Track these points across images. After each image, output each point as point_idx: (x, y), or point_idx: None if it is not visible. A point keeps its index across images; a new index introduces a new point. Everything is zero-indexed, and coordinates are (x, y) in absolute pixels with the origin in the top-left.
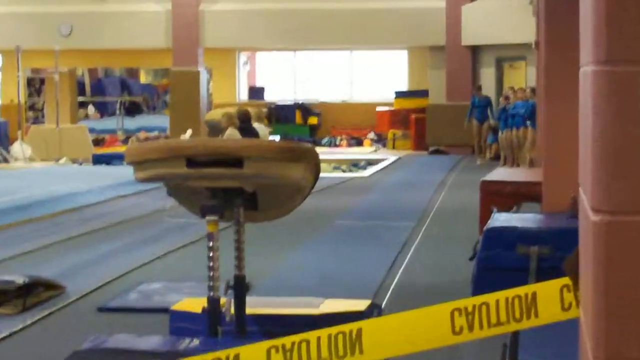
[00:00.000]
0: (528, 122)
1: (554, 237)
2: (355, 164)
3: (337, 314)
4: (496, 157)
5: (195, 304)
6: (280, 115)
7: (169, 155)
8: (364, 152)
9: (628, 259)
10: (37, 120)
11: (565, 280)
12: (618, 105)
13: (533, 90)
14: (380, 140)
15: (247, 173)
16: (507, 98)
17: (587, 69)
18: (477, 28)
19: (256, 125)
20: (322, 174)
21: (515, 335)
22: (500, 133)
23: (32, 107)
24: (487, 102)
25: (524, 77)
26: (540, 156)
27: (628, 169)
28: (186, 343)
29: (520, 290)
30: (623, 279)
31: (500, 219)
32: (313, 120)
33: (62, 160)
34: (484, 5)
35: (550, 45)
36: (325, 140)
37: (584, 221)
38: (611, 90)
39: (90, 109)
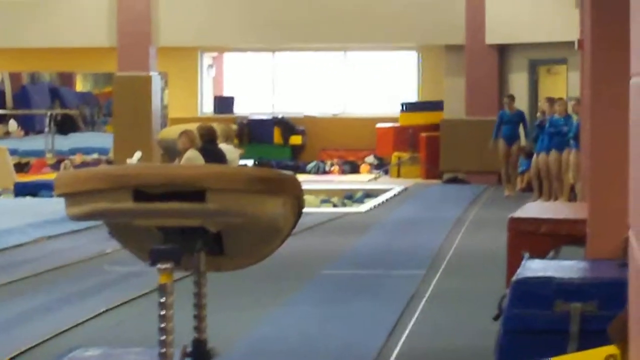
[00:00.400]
0: (571, 143)
1: (601, 292)
2: (349, 196)
3: None
4: (529, 188)
5: None
6: (254, 133)
7: (111, 186)
8: (360, 180)
9: None
10: None
11: (612, 349)
12: None
13: (578, 101)
14: (382, 165)
15: (210, 209)
16: (543, 112)
17: (638, 80)
18: (505, 23)
19: (223, 146)
20: (306, 209)
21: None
22: (535, 156)
23: None
24: (519, 117)
25: (565, 84)
26: (585, 187)
27: None
28: None
29: None
30: None
31: (533, 267)
32: (296, 140)
33: None
34: None
35: (598, 45)
36: (311, 165)
37: (634, 275)
38: None
39: (12, 124)
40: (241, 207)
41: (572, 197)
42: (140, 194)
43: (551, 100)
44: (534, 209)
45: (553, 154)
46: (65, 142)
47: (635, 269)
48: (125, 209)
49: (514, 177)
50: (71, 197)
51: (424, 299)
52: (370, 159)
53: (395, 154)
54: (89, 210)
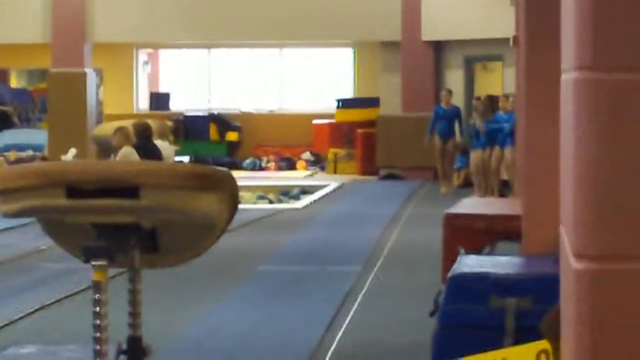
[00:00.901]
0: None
1: (536, 287)
2: (285, 193)
3: None
4: (465, 184)
5: None
6: (190, 130)
7: (44, 182)
8: (297, 177)
9: (619, 317)
10: None
11: (544, 344)
12: (606, 124)
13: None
14: (318, 162)
15: (144, 205)
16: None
17: (568, 76)
18: (440, 19)
19: (158, 142)
20: (242, 206)
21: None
22: (472, 153)
23: None
24: (454, 112)
25: (500, 81)
26: (519, 183)
27: (618, 205)
28: None
29: (489, 357)
30: (613, 343)
31: (469, 262)
32: (232, 136)
33: None
34: None
35: (533, 42)
36: (247, 161)
37: (566, 270)
38: (597, 103)
39: None
40: (175, 203)
41: (506, 193)
42: (74, 190)
43: (479, 100)
44: (470, 204)
45: (490, 150)
46: None
47: (566, 266)
48: (58, 205)
49: (450, 174)
50: (4, 194)
51: (361, 295)
52: (307, 155)
53: (332, 150)
54: (21, 207)
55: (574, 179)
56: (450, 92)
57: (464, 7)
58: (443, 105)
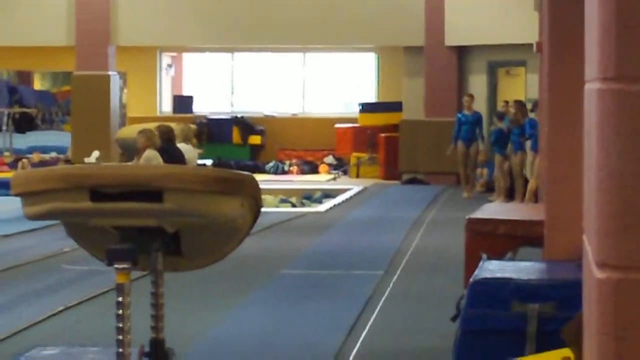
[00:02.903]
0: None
1: (558, 293)
2: (308, 197)
3: None
4: (488, 189)
5: None
6: (213, 133)
7: (68, 186)
8: (319, 180)
9: None
10: None
11: (566, 351)
12: (630, 134)
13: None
14: (341, 166)
15: (167, 209)
16: (501, 117)
17: (592, 87)
18: (464, 25)
19: (182, 146)
20: (265, 209)
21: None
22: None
23: None
24: (477, 118)
25: (523, 86)
26: (542, 189)
27: None
28: None
29: None
30: (636, 352)
31: (491, 268)
32: (255, 140)
33: None
34: None
35: (556, 50)
36: (270, 165)
37: (588, 279)
38: (621, 114)
39: None
40: (198, 207)
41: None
42: (98, 193)
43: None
44: (492, 210)
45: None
46: (22, 141)
47: (588, 274)
48: (82, 208)
49: (473, 179)
50: (28, 196)
51: (383, 299)
52: (329, 159)
53: (354, 154)
54: (46, 209)
55: (597, 188)
56: (472, 96)
57: (487, 13)
58: (465, 111)
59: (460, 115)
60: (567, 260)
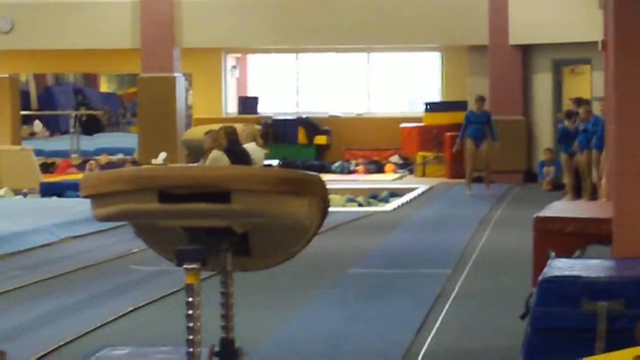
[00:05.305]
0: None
1: (628, 290)
2: (374, 196)
3: None
4: (554, 187)
5: None
6: (279, 133)
7: (136, 187)
8: (385, 180)
9: None
10: None
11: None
12: None
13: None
14: (407, 165)
15: (236, 210)
16: (569, 115)
17: None
18: (529, 23)
19: (249, 146)
20: (332, 209)
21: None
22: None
23: None
24: (486, 117)
25: (588, 84)
26: (610, 186)
27: None
28: None
29: None
30: None
31: (560, 266)
32: (321, 140)
33: (2, 191)
34: None
35: (621, 47)
36: (336, 165)
37: None
38: None
39: (37, 125)
40: (266, 208)
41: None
42: (166, 195)
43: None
44: (560, 208)
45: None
46: (90, 143)
47: None
48: (151, 210)
49: (488, 177)
50: (97, 198)
51: (451, 298)
52: (395, 158)
53: (420, 153)
54: (115, 211)
55: None
56: (482, 99)
57: (551, 11)
58: (475, 110)
59: (469, 114)
60: (636, 258)
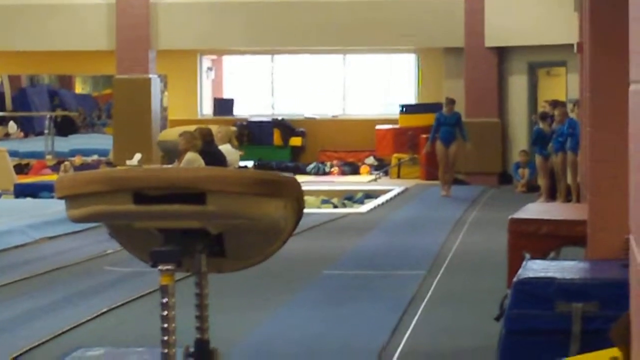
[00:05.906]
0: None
1: (602, 292)
2: (349, 197)
3: None
4: (530, 189)
5: None
6: (254, 135)
7: (111, 188)
8: (360, 181)
9: None
10: None
11: (614, 351)
12: None
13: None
14: (382, 167)
15: (211, 211)
16: (544, 117)
17: (638, 88)
18: (504, 26)
19: (224, 147)
20: (307, 210)
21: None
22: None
23: None
24: (455, 118)
25: (564, 87)
26: (585, 188)
27: None
28: None
29: None
30: None
31: (534, 267)
32: (296, 141)
33: None
34: None
35: (597, 50)
36: (311, 166)
37: (636, 280)
38: None
39: (12, 126)
40: (242, 209)
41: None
42: (141, 196)
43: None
44: (534, 210)
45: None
46: (64, 144)
47: (636, 274)
48: (126, 211)
49: (451, 178)
50: (72, 199)
51: (426, 300)
52: (370, 160)
53: (395, 155)
54: (89, 212)
55: None
56: (452, 101)
57: (527, 14)
58: (445, 112)
59: (439, 116)
60: (610, 260)
